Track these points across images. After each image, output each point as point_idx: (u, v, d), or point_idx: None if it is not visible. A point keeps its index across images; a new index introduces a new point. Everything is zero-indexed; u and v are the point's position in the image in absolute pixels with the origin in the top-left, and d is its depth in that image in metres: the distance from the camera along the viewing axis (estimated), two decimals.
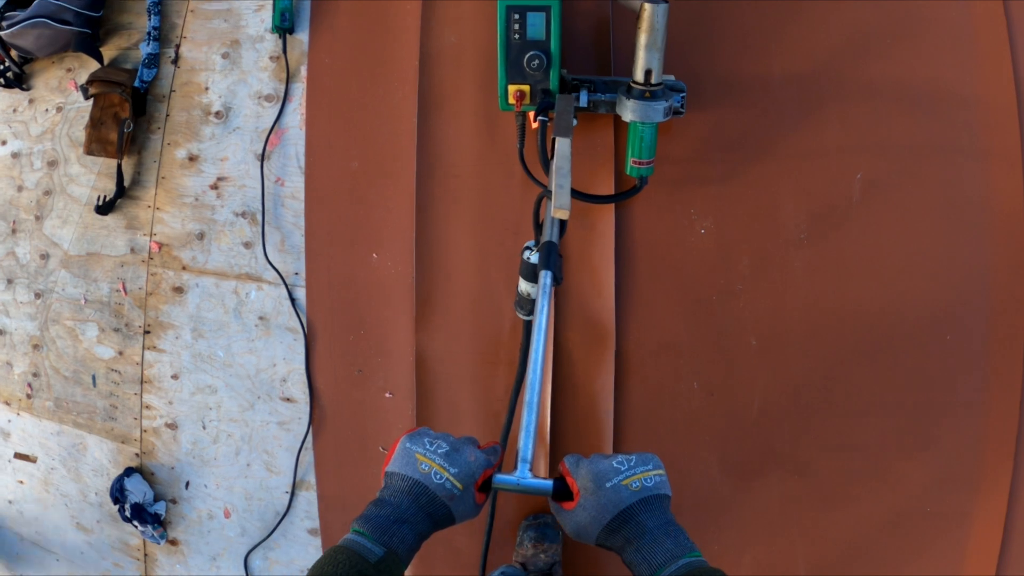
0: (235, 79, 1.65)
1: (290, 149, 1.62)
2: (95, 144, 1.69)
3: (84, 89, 1.68)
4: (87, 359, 1.78)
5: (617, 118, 1.38)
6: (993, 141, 1.40)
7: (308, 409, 1.62)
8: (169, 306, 1.70)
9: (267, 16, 1.61)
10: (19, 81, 1.82)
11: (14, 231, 1.83)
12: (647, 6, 1.14)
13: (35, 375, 1.85)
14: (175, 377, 1.72)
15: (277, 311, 1.64)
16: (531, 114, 1.33)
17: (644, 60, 1.18)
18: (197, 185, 1.67)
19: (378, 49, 1.57)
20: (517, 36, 1.23)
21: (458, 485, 0.73)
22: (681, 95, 1.31)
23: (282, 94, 1.61)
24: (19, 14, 1.67)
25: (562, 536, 1.48)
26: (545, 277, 0.95)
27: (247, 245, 1.64)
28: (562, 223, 0.97)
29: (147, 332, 1.72)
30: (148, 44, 1.68)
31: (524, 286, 1.21)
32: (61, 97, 1.79)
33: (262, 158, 1.61)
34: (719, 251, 1.45)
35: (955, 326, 1.42)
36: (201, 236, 1.67)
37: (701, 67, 1.41)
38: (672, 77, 1.33)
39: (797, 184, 1.43)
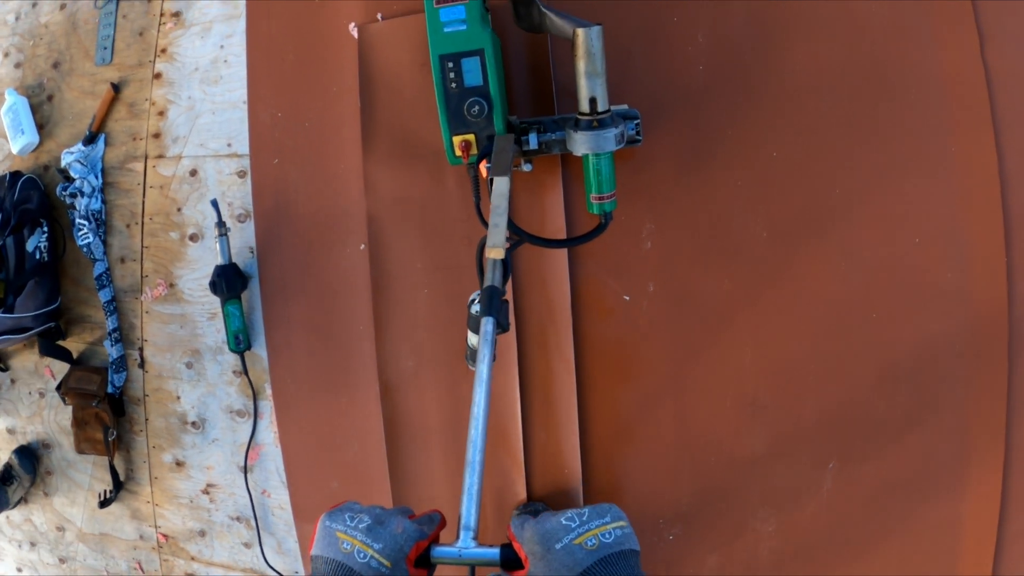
0: (204, 391, 1.57)
1: (270, 464, 1.57)
2: (84, 443, 1.68)
3: (61, 396, 1.64)
4: None
5: (564, 157, 1.30)
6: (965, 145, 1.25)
7: None
8: None
9: (220, 326, 1.50)
10: None
11: (26, 501, 1.88)
12: (579, 31, 1.03)
13: None
14: None
15: None
16: (483, 164, 1.23)
17: (586, 88, 1.07)
18: (189, 488, 1.65)
19: (335, 363, 1.46)
20: (455, 85, 1.13)
21: (385, 563, 0.64)
22: (635, 122, 1.21)
23: (252, 411, 1.54)
24: None
25: None
26: (486, 324, 0.84)
27: (247, 545, 1.65)
28: (505, 267, 0.88)
29: None
30: (112, 345, 1.60)
31: (472, 339, 1.11)
32: (40, 382, 1.75)
33: (245, 471, 1.58)
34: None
35: (934, 340, 1.31)
36: (203, 533, 1.68)
37: (658, 89, 1.29)
38: (625, 106, 1.24)
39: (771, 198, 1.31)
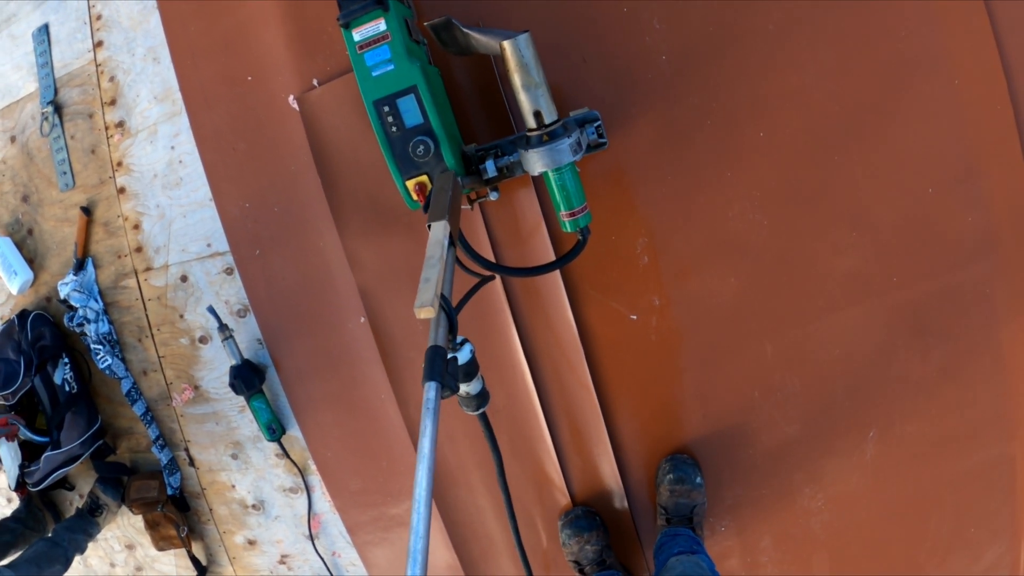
0: (255, 476, 1.61)
1: (332, 529, 1.61)
2: (161, 542, 1.75)
3: (128, 507, 1.71)
4: None
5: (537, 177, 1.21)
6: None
7: None
8: None
9: (252, 417, 1.52)
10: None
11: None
12: (505, 44, 0.97)
13: None
14: None
15: None
16: None
17: (528, 102, 1.01)
18: (266, 562, 1.72)
19: (366, 430, 1.47)
20: (395, 128, 1.07)
21: None
22: (595, 125, 1.13)
23: (303, 486, 1.57)
24: (36, 469, 1.66)
25: (600, 521, 1.42)
26: (428, 390, 0.73)
27: None
28: (449, 320, 0.78)
29: None
30: (160, 451, 1.65)
31: (462, 387, 0.97)
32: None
33: (311, 539, 1.63)
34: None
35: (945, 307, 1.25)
36: None
37: (620, 87, 1.20)
38: (584, 109, 1.17)
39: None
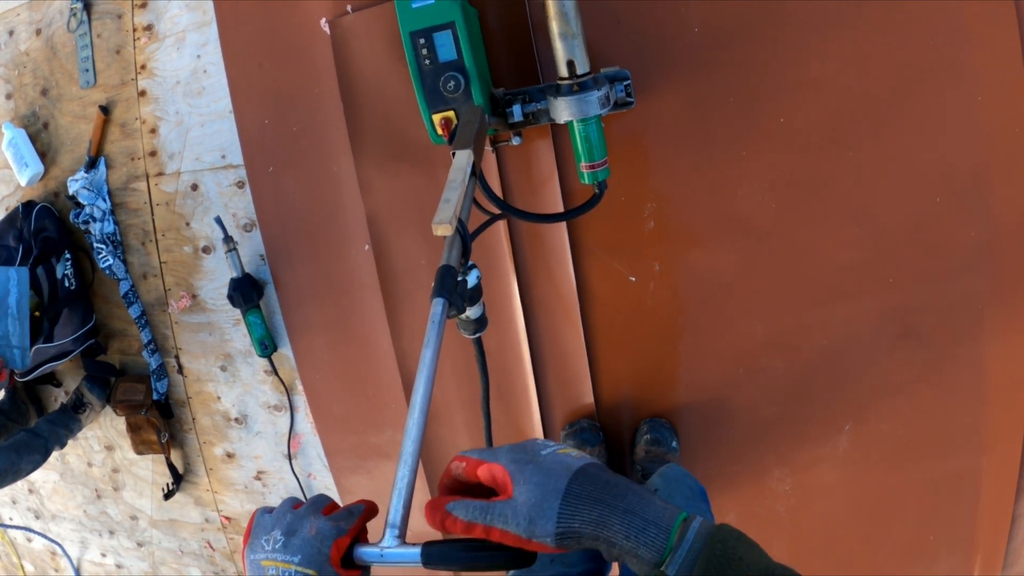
0: (240, 390, 1.63)
1: (311, 451, 1.64)
2: (141, 446, 1.77)
3: (112, 408, 1.72)
4: None
5: (556, 127, 1.25)
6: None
7: None
8: None
9: (246, 331, 1.53)
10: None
11: (99, 496, 2.01)
12: None
13: None
14: None
15: None
16: None
17: (563, 50, 1.02)
18: (242, 476, 1.74)
19: (358, 358, 1.49)
20: (428, 62, 1.07)
21: (309, 572, 0.57)
22: (625, 83, 1.13)
23: (288, 405, 1.59)
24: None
25: (604, 437, 1.39)
26: (436, 305, 0.74)
27: None
28: (464, 244, 0.79)
29: None
30: (150, 356, 1.66)
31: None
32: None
33: (289, 458, 1.65)
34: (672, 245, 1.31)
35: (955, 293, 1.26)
36: None
37: (650, 51, 1.21)
38: (615, 68, 1.17)
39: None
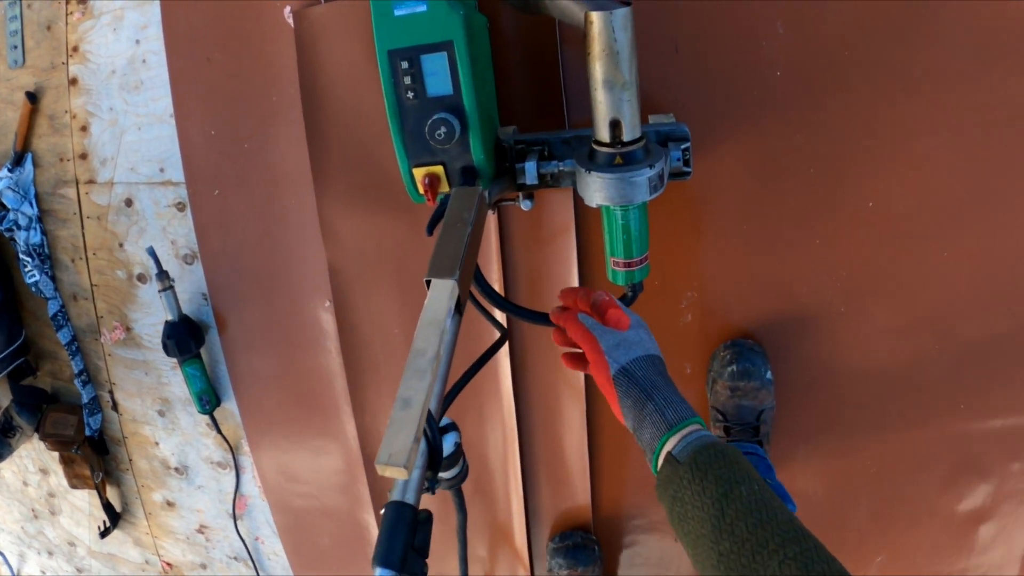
0: (180, 440, 1.38)
1: (259, 515, 1.39)
2: (75, 480, 1.53)
3: (41, 440, 1.49)
4: None
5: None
6: None
7: None
8: None
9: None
10: None
11: (36, 516, 1.80)
12: (594, 16, 0.64)
13: None
14: None
15: None
16: None
17: (606, 105, 0.68)
18: (183, 526, 1.51)
19: (315, 426, 1.23)
20: (412, 95, 0.76)
21: None
22: (683, 147, 0.79)
23: (232, 463, 1.35)
24: None
25: (599, 554, 1.19)
26: None
27: None
28: (432, 454, 0.50)
29: None
30: (83, 386, 1.41)
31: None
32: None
33: (234, 519, 1.41)
34: None
35: None
36: (204, 566, 1.56)
37: (715, 95, 0.89)
38: (669, 117, 0.84)
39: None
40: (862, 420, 1.05)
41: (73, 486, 1.54)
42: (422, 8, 0.73)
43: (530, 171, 0.79)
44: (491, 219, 0.98)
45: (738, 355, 1.01)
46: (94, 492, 1.58)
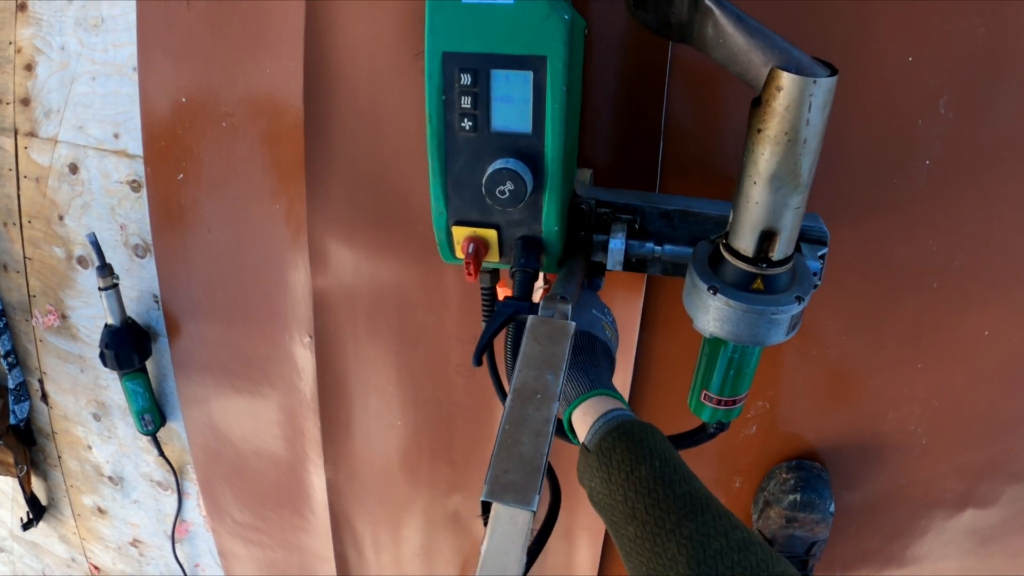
0: (116, 450, 1.16)
1: (201, 544, 1.19)
2: None
3: None
4: None
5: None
6: None
7: None
8: None
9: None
10: None
11: None
12: (785, 79, 0.40)
13: None
14: None
15: None
16: (500, 289, 0.66)
17: (764, 209, 0.45)
18: (115, 536, 1.31)
19: (275, 477, 1.01)
20: (469, 124, 0.52)
21: None
22: (820, 252, 0.57)
23: (175, 485, 1.13)
24: None
25: None
26: None
27: None
28: None
29: None
30: (10, 369, 1.18)
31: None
32: None
33: (173, 543, 1.21)
34: None
35: None
36: None
37: (843, 180, 0.65)
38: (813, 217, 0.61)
39: None
40: (917, 556, 0.86)
41: None
42: (508, 1, 0.48)
43: (616, 252, 0.56)
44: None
45: (803, 483, 0.81)
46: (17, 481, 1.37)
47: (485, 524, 0.35)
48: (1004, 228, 0.66)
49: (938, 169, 0.65)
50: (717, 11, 0.43)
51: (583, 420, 0.50)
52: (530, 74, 0.50)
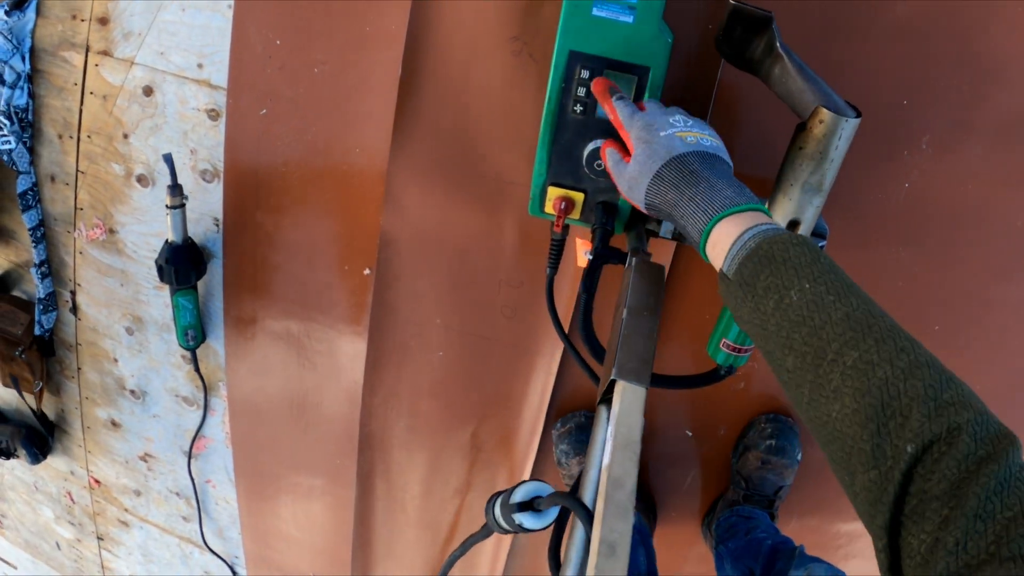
0: (145, 363, 1.21)
1: (218, 460, 1.26)
2: (7, 379, 1.33)
3: None
4: (46, 530, 1.66)
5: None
6: None
7: None
8: (117, 531, 1.52)
9: (168, 298, 1.11)
10: None
11: None
12: (827, 115, 0.54)
13: (3, 516, 1.76)
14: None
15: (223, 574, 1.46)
16: (580, 241, 0.80)
17: (794, 203, 0.59)
18: (125, 450, 1.35)
19: (308, 386, 1.10)
20: (579, 108, 0.65)
21: (718, 140, 0.57)
22: (820, 244, 0.69)
23: (202, 402, 1.19)
24: None
25: None
26: None
27: (186, 519, 1.39)
28: None
29: (100, 539, 1.58)
30: (41, 280, 1.21)
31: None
32: None
33: (188, 458, 1.27)
34: None
35: None
36: (138, 493, 1.41)
37: (862, 202, 0.80)
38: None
39: None
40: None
41: (5, 385, 1.34)
42: (628, 19, 0.61)
43: (666, 225, 0.69)
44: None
45: (778, 432, 0.98)
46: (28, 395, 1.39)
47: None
48: (966, 243, 0.81)
49: (914, 192, 0.80)
50: (786, 58, 0.57)
51: (717, 248, 0.47)
52: (635, 78, 0.63)
